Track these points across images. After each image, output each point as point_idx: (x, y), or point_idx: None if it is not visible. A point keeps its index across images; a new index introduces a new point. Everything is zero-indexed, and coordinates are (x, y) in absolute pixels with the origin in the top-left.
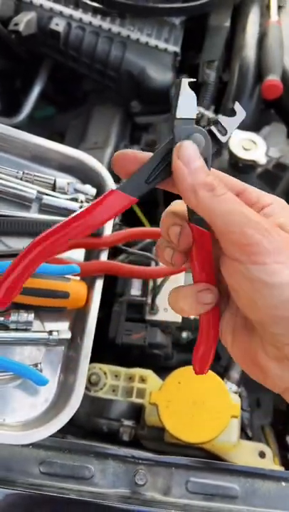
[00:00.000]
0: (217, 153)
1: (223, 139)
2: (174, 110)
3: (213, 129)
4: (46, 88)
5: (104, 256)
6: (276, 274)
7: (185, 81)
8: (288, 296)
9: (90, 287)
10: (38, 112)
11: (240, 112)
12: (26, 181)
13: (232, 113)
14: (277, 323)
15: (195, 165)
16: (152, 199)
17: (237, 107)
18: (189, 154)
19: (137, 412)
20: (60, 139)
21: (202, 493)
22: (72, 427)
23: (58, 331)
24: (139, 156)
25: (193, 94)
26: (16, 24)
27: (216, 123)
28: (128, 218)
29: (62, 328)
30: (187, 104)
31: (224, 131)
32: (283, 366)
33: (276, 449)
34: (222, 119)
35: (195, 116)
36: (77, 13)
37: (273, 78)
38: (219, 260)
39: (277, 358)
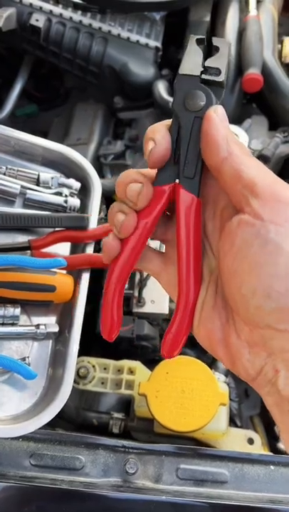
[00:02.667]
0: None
1: (220, 78)
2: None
3: (206, 76)
4: (28, 86)
5: (90, 249)
6: None
7: (193, 37)
8: None
9: (77, 281)
10: (19, 110)
11: (222, 43)
12: (10, 176)
13: (215, 50)
14: (269, 296)
15: (227, 123)
16: None
17: (216, 40)
18: (223, 114)
19: (126, 405)
20: (43, 137)
21: (192, 479)
22: (62, 421)
23: (45, 325)
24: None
25: (200, 51)
26: None
27: (205, 70)
28: None
29: (49, 322)
30: (192, 61)
31: (218, 71)
32: (254, 352)
33: (265, 439)
34: (209, 61)
35: (199, 74)
36: (58, 9)
37: (254, 72)
38: (217, 224)
39: (248, 342)
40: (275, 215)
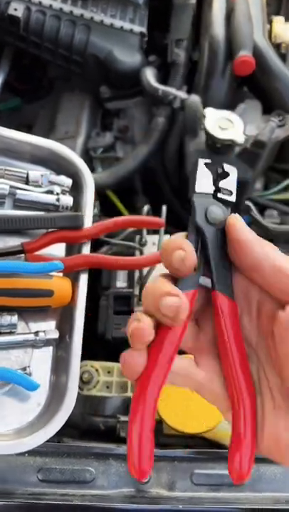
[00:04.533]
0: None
1: (232, 198)
2: (192, 186)
3: (220, 195)
4: (10, 78)
5: (86, 249)
6: None
7: (202, 161)
8: None
9: (75, 282)
10: (2, 104)
11: (232, 170)
12: None
13: (226, 175)
14: None
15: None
16: (130, 186)
17: (226, 167)
18: (243, 221)
19: None
20: (28, 130)
21: (208, 484)
22: (67, 428)
23: (44, 331)
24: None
25: (209, 173)
26: None
27: (218, 190)
28: (105, 208)
29: (48, 328)
30: (204, 181)
31: (230, 193)
32: None
33: None
34: (222, 183)
35: (212, 192)
36: None
37: (245, 54)
38: (254, 319)
39: None
40: None
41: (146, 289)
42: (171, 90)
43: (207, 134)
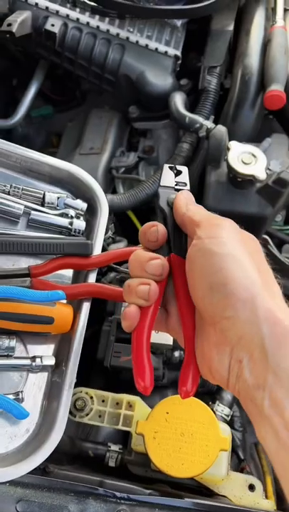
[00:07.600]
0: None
1: (187, 187)
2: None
3: (178, 187)
4: (44, 87)
5: (92, 276)
6: (223, 246)
7: (166, 165)
8: (225, 264)
9: (77, 310)
10: (35, 110)
11: (183, 169)
12: (14, 196)
13: (179, 172)
14: (211, 289)
15: (190, 199)
16: (149, 206)
17: (178, 167)
18: (187, 193)
19: (124, 436)
20: (58, 138)
21: None
22: (55, 453)
23: (41, 357)
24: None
25: (171, 172)
26: (10, 24)
27: (176, 184)
28: (124, 226)
29: (46, 353)
30: (168, 178)
31: (184, 184)
32: (220, 351)
33: (269, 468)
34: (177, 179)
35: (173, 185)
36: (75, 13)
37: (277, 88)
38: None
39: (215, 343)
40: (209, 233)
41: (131, 258)
42: (198, 119)
43: (229, 167)
